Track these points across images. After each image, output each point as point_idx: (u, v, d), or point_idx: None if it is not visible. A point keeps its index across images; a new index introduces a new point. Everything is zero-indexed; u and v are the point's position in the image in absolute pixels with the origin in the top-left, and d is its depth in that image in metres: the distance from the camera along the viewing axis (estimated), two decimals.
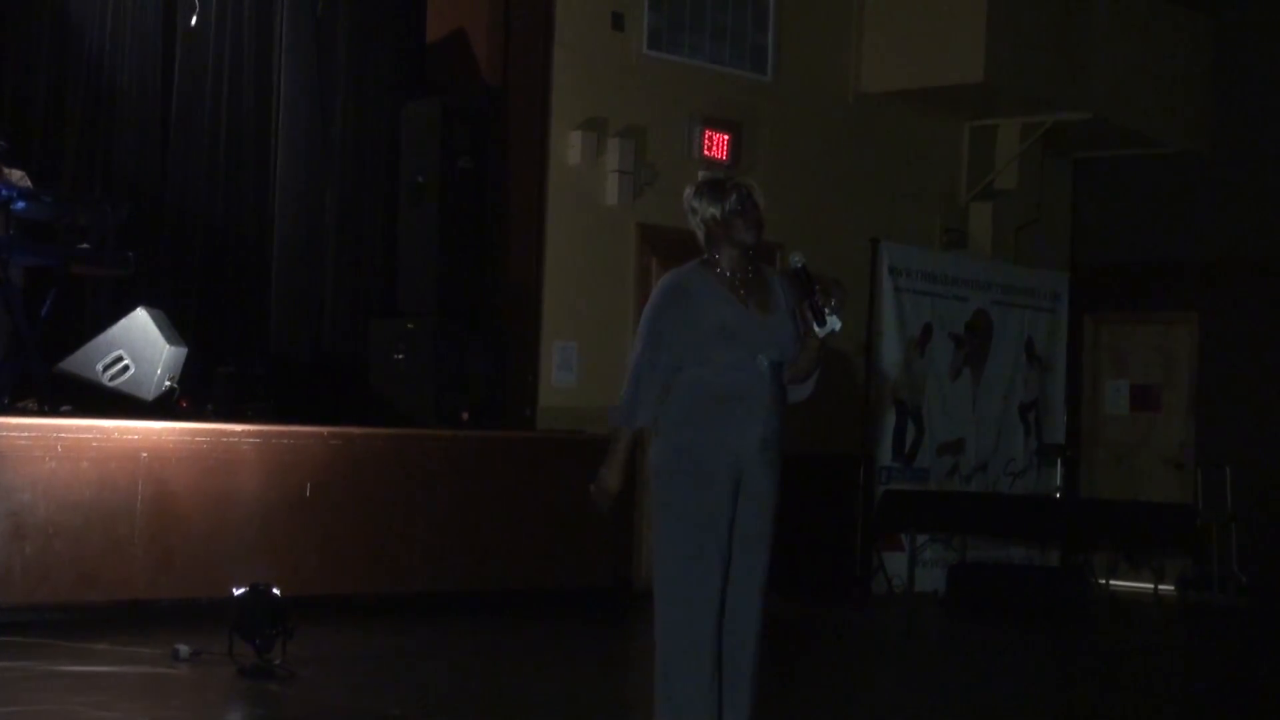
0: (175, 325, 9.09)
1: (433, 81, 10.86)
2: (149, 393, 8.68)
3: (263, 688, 6.65)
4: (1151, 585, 12.69)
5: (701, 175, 5.27)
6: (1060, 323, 13.55)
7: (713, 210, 5.10)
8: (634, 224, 11.14)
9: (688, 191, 5.18)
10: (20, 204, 8.37)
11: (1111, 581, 13.12)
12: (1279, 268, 13.28)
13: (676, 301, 5.05)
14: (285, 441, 8.77)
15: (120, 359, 8.65)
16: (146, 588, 8.26)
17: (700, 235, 5.15)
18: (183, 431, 8.43)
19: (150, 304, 8.93)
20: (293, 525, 8.75)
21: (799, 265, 5.09)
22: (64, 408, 8.40)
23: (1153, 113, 13.42)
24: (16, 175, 8.55)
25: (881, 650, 9.67)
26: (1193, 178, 13.91)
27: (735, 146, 11.64)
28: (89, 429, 8.10)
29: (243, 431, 8.66)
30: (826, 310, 5.01)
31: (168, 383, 8.75)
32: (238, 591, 7.09)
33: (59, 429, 8.02)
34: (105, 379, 8.63)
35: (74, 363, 8.69)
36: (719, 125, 11.56)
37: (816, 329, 5.03)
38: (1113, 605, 12.12)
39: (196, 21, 9.88)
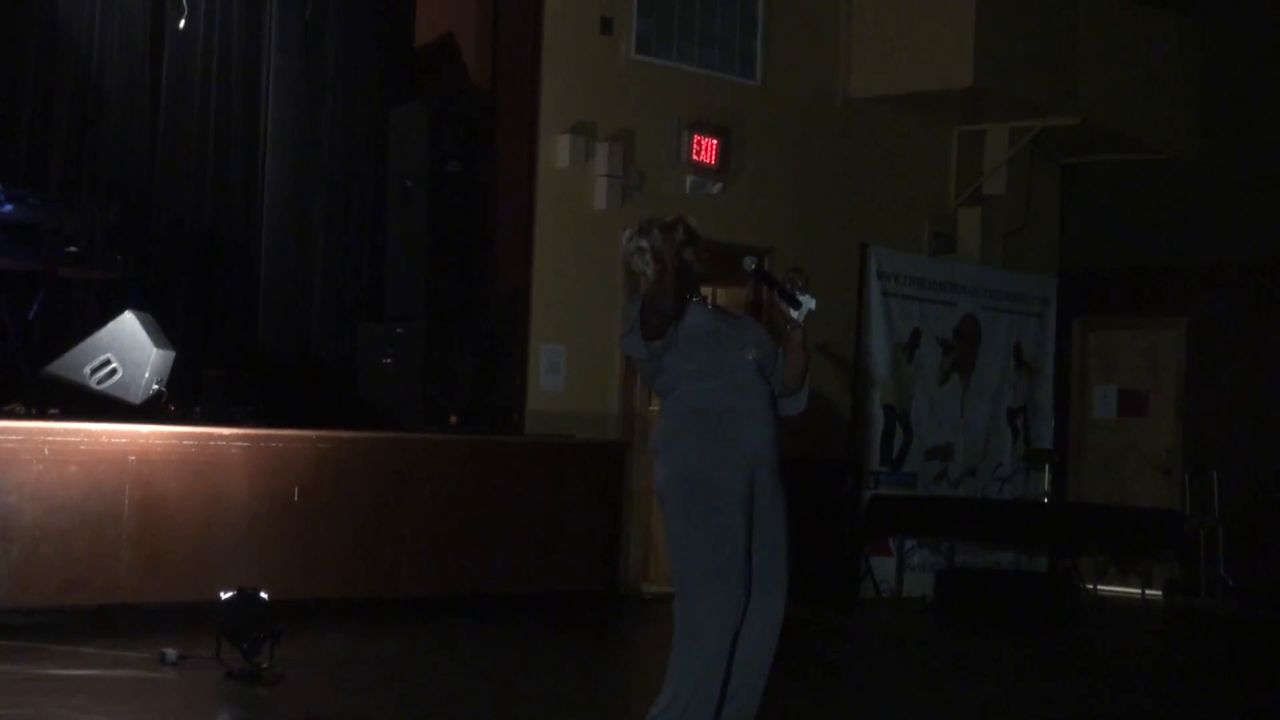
0: (163, 328, 9.07)
1: (422, 85, 10.87)
2: (136, 396, 8.66)
3: (250, 691, 6.64)
4: (1139, 590, 12.74)
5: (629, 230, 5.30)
6: (1048, 328, 13.56)
7: None
8: (622, 228, 11.08)
9: (628, 233, 5.22)
10: (7, 206, 8.35)
11: (1099, 586, 13.15)
12: (1266, 273, 13.30)
13: None
14: (273, 445, 8.77)
15: (108, 362, 8.63)
16: (134, 591, 8.25)
17: (650, 272, 5.15)
18: (170, 435, 8.42)
19: (138, 307, 8.91)
20: (280, 529, 8.75)
21: (752, 267, 5.18)
22: (51, 411, 8.38)
23: (1141, 118, 13.43)
24: None
25: (869, 655, 9.67)
26: (1181, 183, 13.93)
27: (724, 151, 11.64)
28: (76, 432, 8.09)
29: (231, 435, 8.65)
30: (796, 291, 5.04)
31: (155, 386, 8.74)
32: (225, 595, 7.09)
33: (46, 432, 8.01)
34: (93, 382, 8.61)
35: (61, 366, 8.67)
36: (707, 130, 11.56)
37: (794, 314, 5.06)
38: (1100, 610, 12.14)
39: (185, 24, 9.87)
